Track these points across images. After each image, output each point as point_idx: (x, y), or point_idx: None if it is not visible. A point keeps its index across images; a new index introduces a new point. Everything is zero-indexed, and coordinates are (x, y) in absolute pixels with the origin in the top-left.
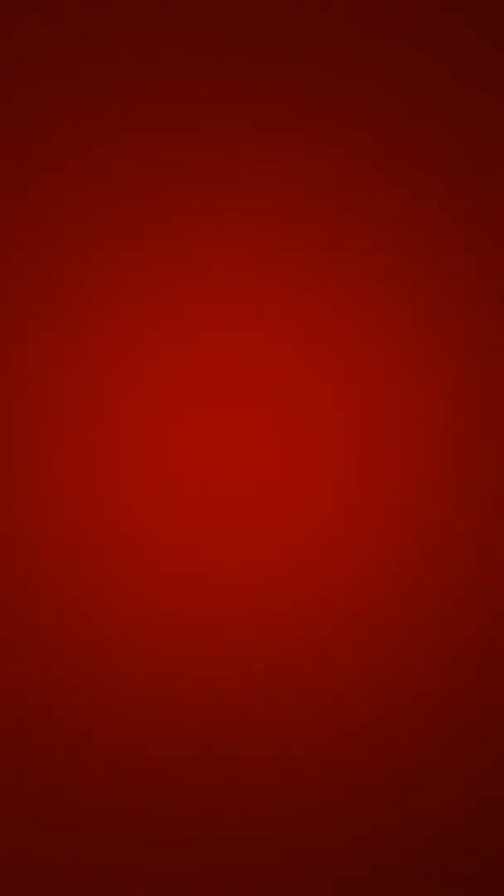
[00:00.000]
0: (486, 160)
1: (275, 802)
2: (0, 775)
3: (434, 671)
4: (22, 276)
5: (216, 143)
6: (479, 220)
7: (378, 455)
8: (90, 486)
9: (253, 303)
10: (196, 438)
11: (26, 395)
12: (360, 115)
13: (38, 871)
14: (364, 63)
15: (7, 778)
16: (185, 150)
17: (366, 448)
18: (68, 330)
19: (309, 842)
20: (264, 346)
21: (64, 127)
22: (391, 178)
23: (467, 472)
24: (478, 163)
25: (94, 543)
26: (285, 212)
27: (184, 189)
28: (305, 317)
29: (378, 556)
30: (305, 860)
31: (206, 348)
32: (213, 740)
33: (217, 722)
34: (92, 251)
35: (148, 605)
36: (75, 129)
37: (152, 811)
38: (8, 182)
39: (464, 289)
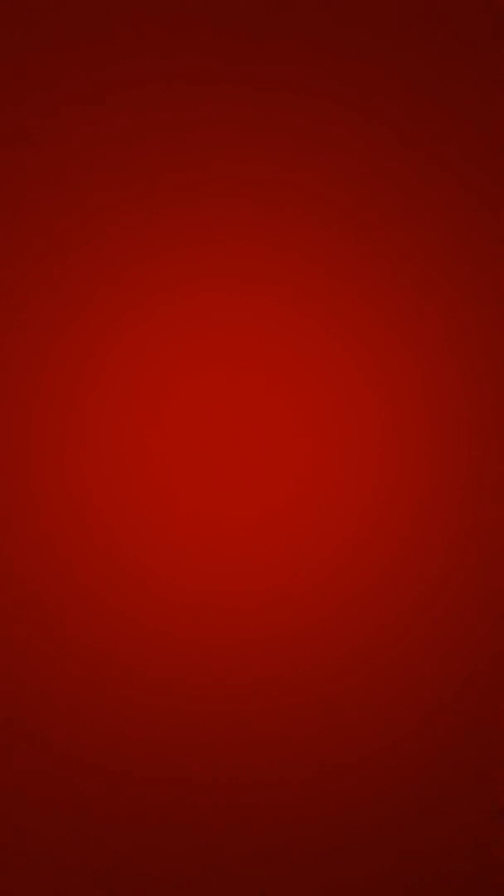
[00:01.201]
0: (491, 159)
1: (276, 814)
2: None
3: (439, 680)
4: (22, 273)
5: (218, 142)
6: (481, 219)
7: (380, 458)
8: (90, 487)
9: (254, 306)
10: (196, 441)
11: (26, 395)
12: (363, 117)
13: (37, 877)
14: (366, 63)
15: (6, 785)
16: (186, 147)
17: (367, 452)
18: (69, 329)
19: (309, 853)
20: (265, 349)
21: (65, 127)
22: (395, 177)
23: (474, 478)
24: (483, 163)
25: (93, 544)
26: (287, 211)
27: (186, 184)
28: (307, 317)
29: (384, 561)
30: (305, 872)
31: (207, 348)
32: (213, 747)
33: (218, 725)
34: (92, 249)
35: (146, 606)
36: (76, 131)
37: (151, 822)
38: (8, 181)
39: (468, 289)
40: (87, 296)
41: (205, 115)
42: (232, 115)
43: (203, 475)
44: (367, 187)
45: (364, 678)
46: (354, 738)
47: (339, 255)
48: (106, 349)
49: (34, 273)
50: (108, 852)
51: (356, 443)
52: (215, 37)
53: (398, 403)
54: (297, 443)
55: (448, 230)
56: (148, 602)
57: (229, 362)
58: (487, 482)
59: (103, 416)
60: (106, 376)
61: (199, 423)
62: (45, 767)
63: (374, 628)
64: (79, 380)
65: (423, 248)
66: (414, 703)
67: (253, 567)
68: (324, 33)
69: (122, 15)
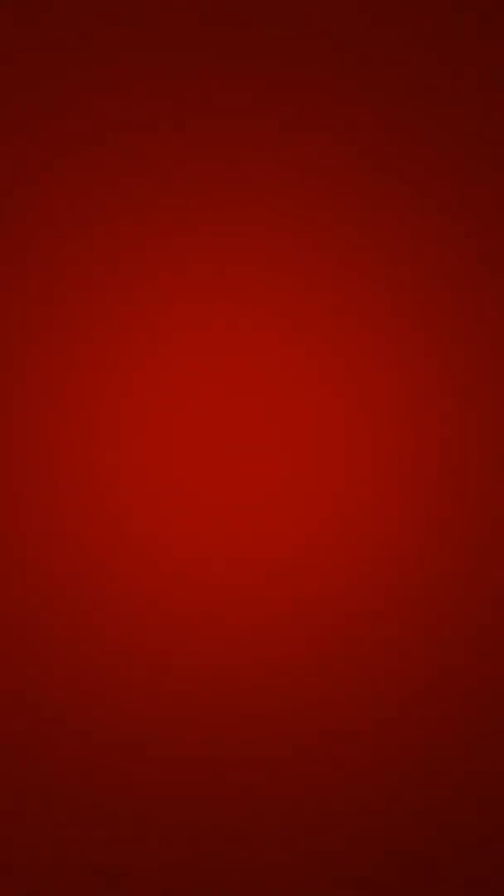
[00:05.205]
0: (490, 159)
1: (273, 804)
2: (1, 777)
3: (433, 673)
4: (23, 275)
5: (221, 143)
6: (481, 220)
7: (378, 458)
8: (89, 488)
9: (254, 305)
10: (196, 440)
11: (27, 394)
12: (364, 119)
13: (37, 872)
14: (366, 64)
15: (7, 780)
16: (188, 148)
17: (366, 451)
18: (69, 330)
19: (307, 842)
20: (265, 347)
21: (64, 128)
22: (395, 177)
23: (468, 476)
24: (483, 163)
25: (93, 545)
26: (288, 211)
27: (186, 186)
28: (307, 318)
29: (378, 558)
30: (304, 861)
31: (207, 349)
32: (211, 743)
33: (216, 723)
34: (93, 249)
35: (147, 605)
36: (76, 130)
37: (150, 813)
38: (8, 181)
39: (467, 290)
40: (88, 300)
41: (207, 140)
42: (233, 140)
43: (202, 474)
44: (365, 212)
45: (362, 657)
46: (354, 715)
47: (339, 257)
48: (107, 347)
49: (35, 274)
50: (110, 844)
51: (357, 444)
52: (217, 63)
53: (400, 399)
54: (297, 443)
55: (444, 259)
56: (149, 587)
57: (230, 360)
58: (487, 485)
59: (102, 416)
60: (105, 379)
61: (198, 424)
62: (46, 762)
63: (373, 612)
64: (79, 386)
65: (419, 274)
66: (412, 677)
67: (251, 562)
68: (326, 65)
69: (128, 45)
